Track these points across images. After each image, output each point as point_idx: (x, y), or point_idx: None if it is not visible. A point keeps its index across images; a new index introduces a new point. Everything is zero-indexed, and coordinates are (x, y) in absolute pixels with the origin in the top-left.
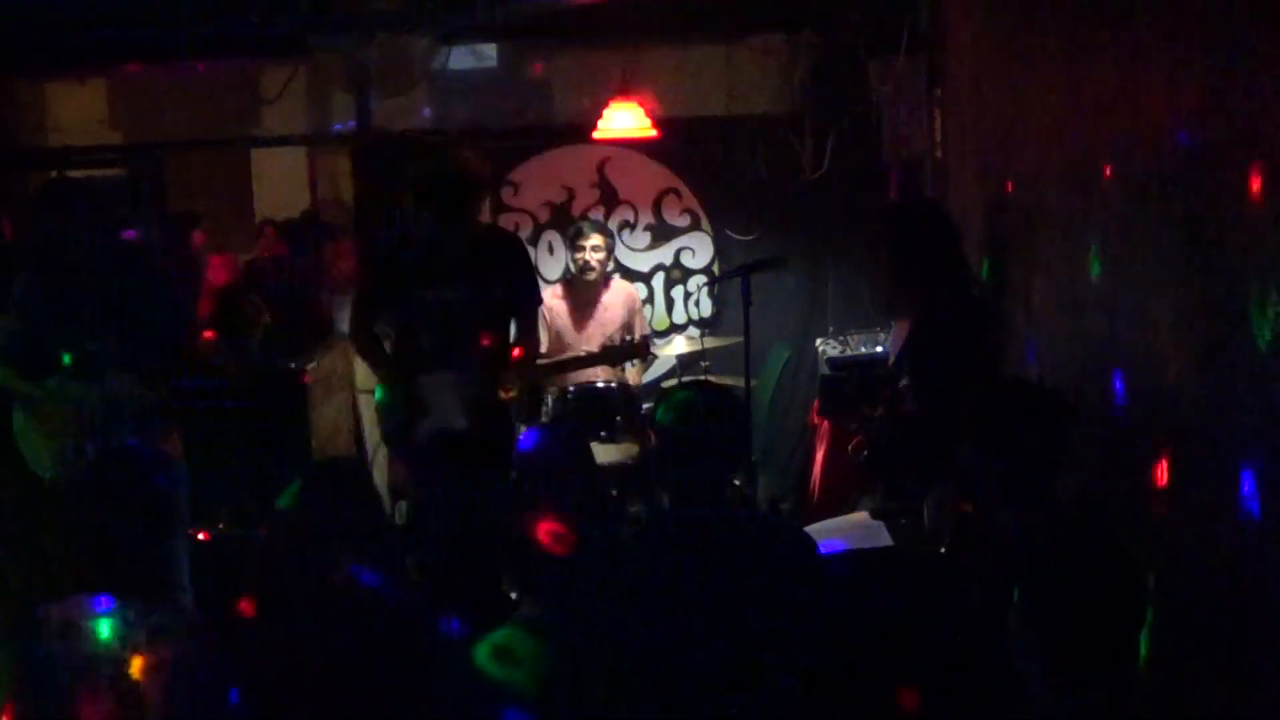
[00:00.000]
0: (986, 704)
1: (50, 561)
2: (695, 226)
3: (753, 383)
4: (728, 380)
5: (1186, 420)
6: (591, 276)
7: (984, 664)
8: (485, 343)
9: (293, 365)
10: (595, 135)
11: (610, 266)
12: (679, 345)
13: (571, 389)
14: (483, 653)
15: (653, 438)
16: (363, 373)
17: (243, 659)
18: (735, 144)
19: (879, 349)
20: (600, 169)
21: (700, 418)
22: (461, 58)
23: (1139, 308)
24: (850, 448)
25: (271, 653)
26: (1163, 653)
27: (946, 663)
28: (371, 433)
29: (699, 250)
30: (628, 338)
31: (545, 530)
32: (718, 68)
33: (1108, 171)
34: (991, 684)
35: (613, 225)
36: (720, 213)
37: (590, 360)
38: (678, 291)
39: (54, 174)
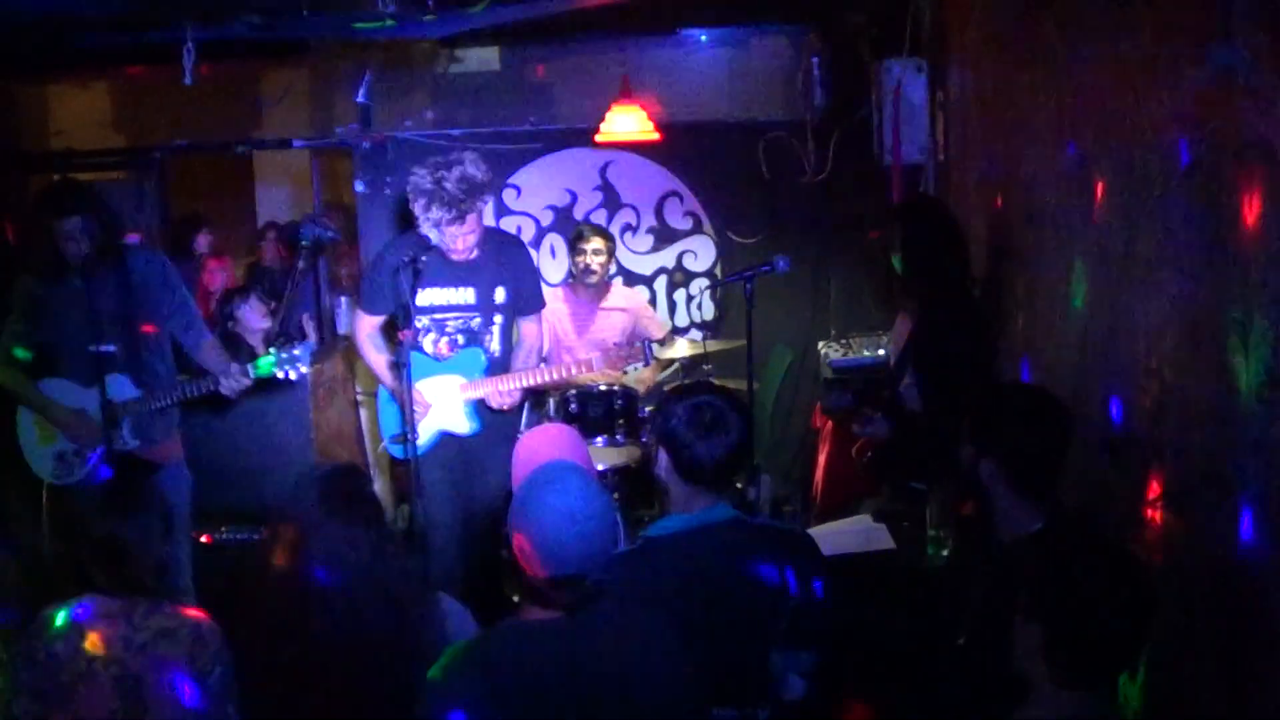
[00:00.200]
0: (987, 705)
1: (50, 562)
2: (697, 229)
3: (755, 386)
4: (730, 383)
5: (1182, 439)
6: (593, 280)
7: (984, 665)
8: (486, 345)
9: (294, 369)
10: (597, 138)
11: (612, 270)
12: (681, 348)
13: (573, 392)
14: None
15: (654, 441)
16: (364, 375)
17: (242, 660)
18: (737, 147)
19: (880, 351)
20: (602, 172)
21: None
22: (464, 61)
23: (1139, 309)
24: (854, 451)
25: (268, 656)
26: (1163, 653)
27: (947, 665)
28: (372, 435)
29: (701, 253)
30: (636, 343)
31: None
32: (720, 71)
33: (1101, 188)
34: (992, 685)
35: (615, 228)
36: (722, 216)
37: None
38: (680, 294)
39: (57, 177)
